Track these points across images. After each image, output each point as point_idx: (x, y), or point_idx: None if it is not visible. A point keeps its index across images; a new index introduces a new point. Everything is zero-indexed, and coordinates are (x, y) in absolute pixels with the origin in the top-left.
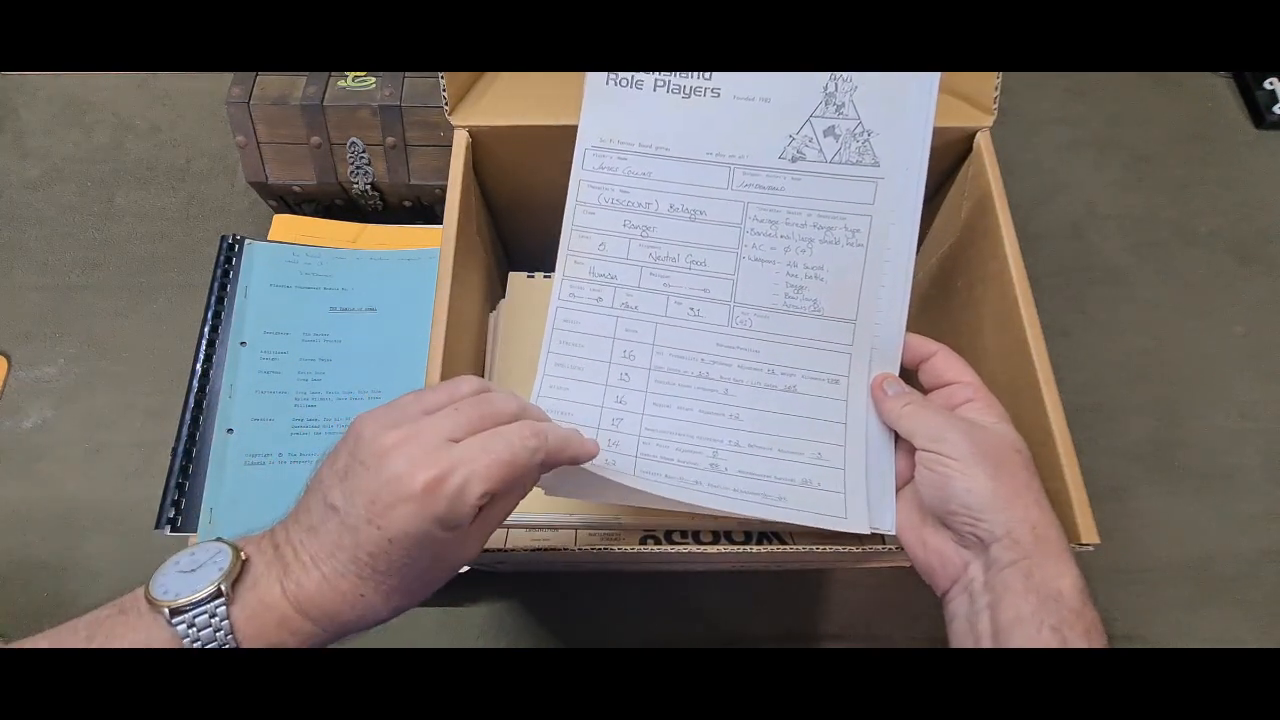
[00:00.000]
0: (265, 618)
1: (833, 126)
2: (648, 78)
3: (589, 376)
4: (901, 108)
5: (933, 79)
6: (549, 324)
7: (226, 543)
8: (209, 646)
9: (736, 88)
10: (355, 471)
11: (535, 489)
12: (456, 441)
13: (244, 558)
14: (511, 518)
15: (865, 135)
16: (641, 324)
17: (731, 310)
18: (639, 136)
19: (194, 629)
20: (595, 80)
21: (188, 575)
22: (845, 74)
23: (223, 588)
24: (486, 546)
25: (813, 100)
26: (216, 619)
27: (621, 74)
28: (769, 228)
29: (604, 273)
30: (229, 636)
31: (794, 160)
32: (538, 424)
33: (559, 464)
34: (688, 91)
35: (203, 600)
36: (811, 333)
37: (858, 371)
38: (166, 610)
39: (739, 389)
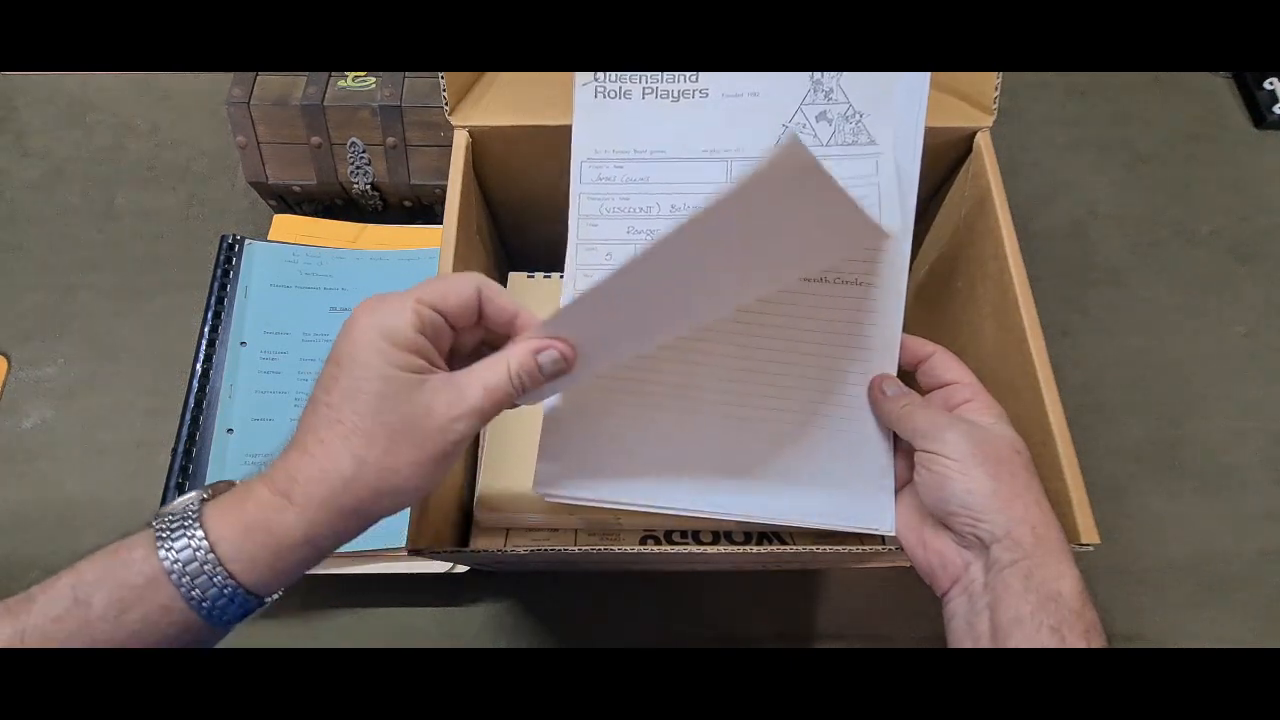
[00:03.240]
0: (233, 504)
1: (824, 111)
2: (635, 87)
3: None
4: (889, 89)
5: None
6: None
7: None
8: (175, 532)
9: (725, 86)
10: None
11: (535, 494)
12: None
13: (235, 481)
14: (512, 518)
15: (858, 117)
16: None
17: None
18: (633, 144)
19: (163, 522)
20: (584, 95)
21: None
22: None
23: (206, 494)
24: (487, 547)
25: (801, 89)
26: (188, 508)
27: (609, 85)
28: None
29: None
30: (194, 522)
31: None
32: (472, 275)
33: (496, 304)
34: (676, 95)
35: (182, 505)
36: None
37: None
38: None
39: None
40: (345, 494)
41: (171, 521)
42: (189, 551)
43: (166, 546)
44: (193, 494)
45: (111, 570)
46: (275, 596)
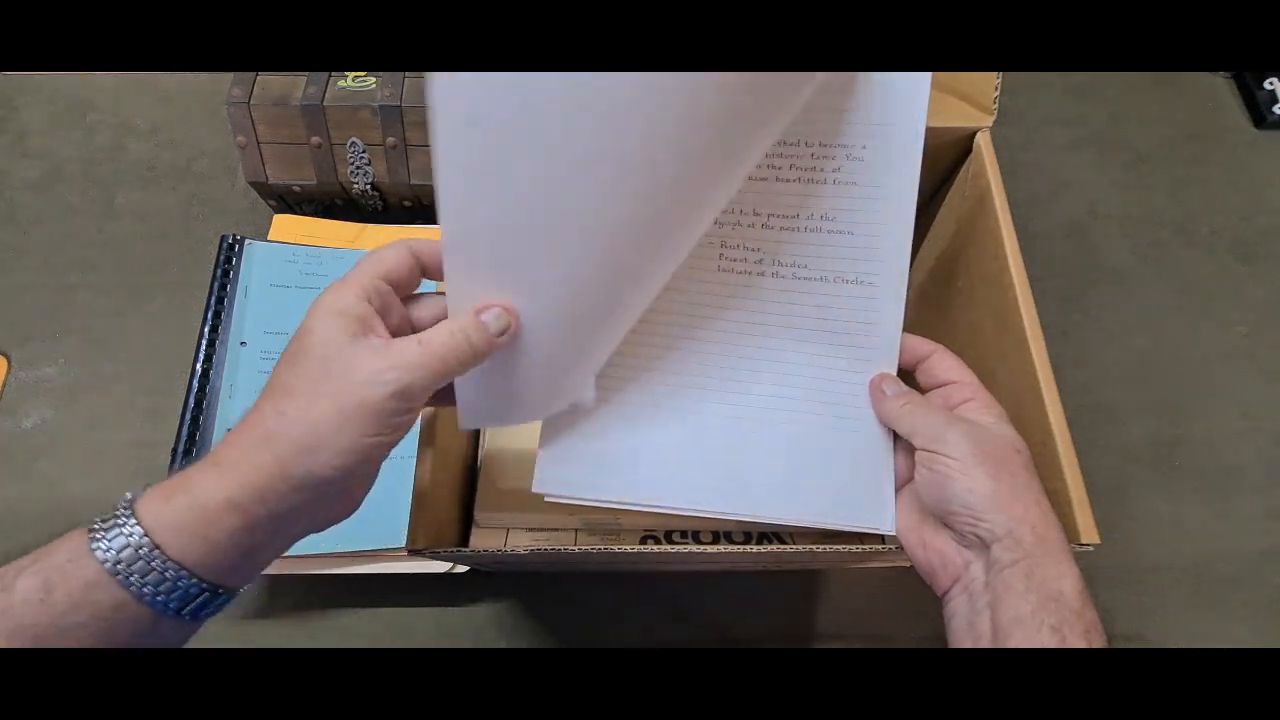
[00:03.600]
0: (173, 487)
1: None
2: None
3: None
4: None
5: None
6: None
7: None
8: (110, 529)
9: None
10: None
11: (535, 495)
12: None
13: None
14: (511, 518)
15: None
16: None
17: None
18: None
19: (99, 518)
20: None
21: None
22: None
23: (142, 488)
24: (487, 547)
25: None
26: (122, 504)
27: None
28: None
29: None
30: (133, 524)
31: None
32: (414, 241)
33: (429, 255)
34: None
35: (118, 502)
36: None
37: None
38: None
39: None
40: (265, 449)
41: (103, 520)
42: (124, 543)
43: (98, 543)
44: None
45: (37, 557)
46: (236, 591)
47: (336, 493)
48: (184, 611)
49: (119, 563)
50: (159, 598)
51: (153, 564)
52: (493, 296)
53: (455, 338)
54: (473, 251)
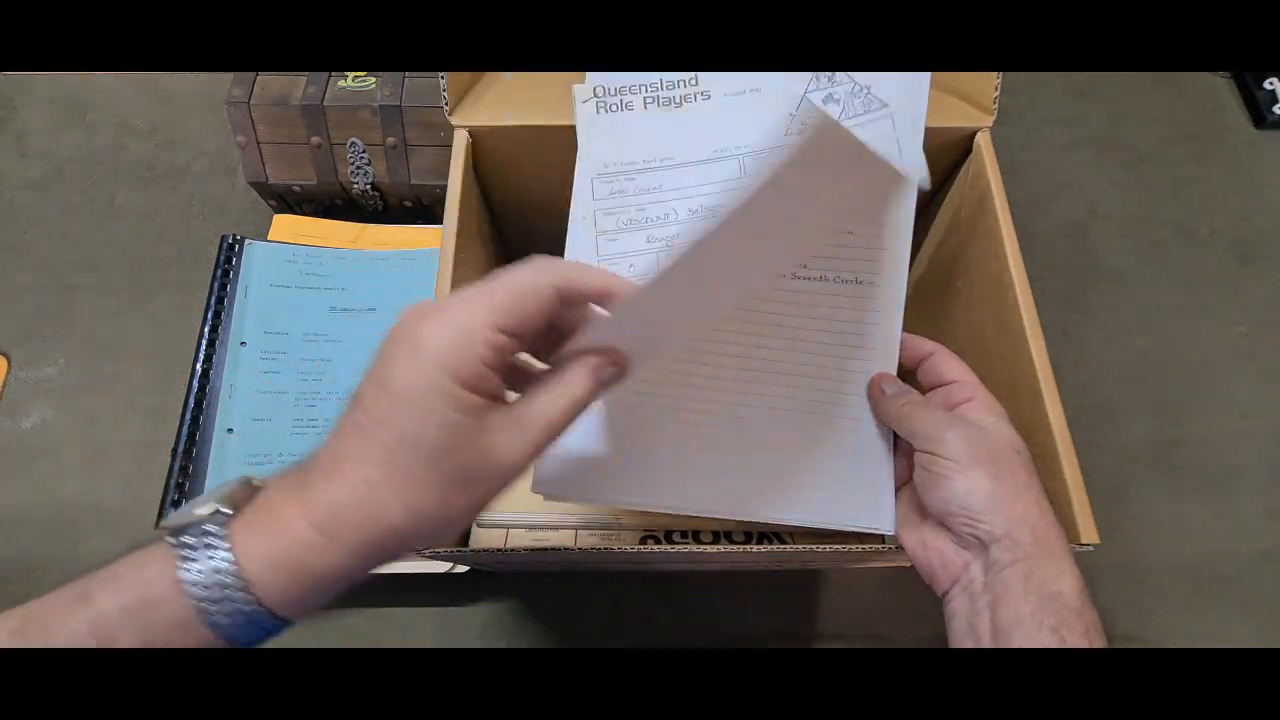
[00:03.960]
0: (259, 525)
1: (830, 94)
2: (636, 98)
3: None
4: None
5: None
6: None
7: (251, 477)
8: (195, 554)
9: (726, 85)
10: (377, 354)
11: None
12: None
13: (257, 485)
14: (512, 518)
15: (865, 90)
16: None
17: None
18: (641, 154)
19: (187, 539)
20: (585, 111)
21: (194, 503)
22: None
23: (219, 509)
24: (485, 546)
25: (803, 77)
26: (214, 526)
27: (610, 99)
28: None
29: None
30: (220, 545)
31: (802, 134)
32: (550, 261)
33: (583, 293)
34: (679, 101)
35: (199, 517)
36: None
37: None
38: (166, 534)
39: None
40: (393, 540)
41: (193, 540)
42: (213, 575)
43: (188, 568)
44: (209, 505)
45: (137, 611)
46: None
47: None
48: (247, 642)
49: (206, 601)
50: (239, 636)
51: (240, 608)
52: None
53: (575, 409)
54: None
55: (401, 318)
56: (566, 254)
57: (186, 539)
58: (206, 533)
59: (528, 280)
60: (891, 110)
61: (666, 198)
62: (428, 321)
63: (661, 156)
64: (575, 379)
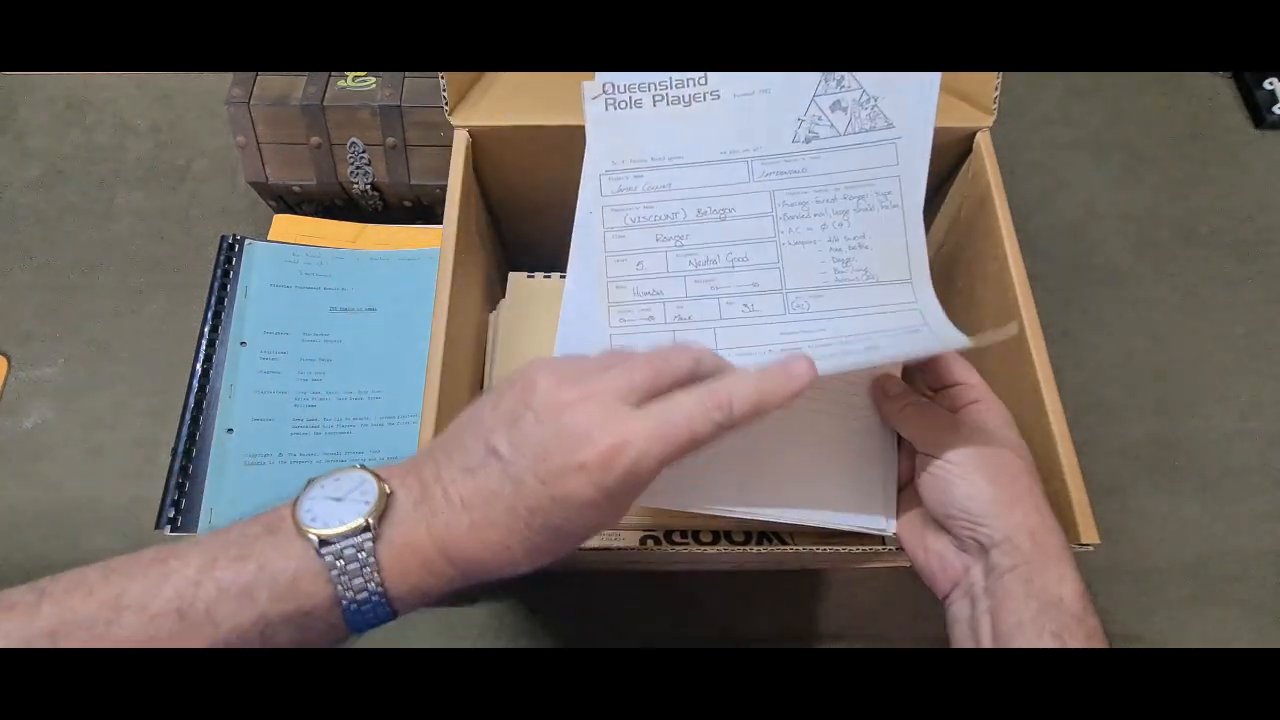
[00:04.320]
0: (409, 559)
1: (838, 100)
2: (645, 95)
3: None
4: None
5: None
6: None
7: (370, 472)
8: (354, 581)
9: (735, 86)
10: (525, 420)
11: None
12: (633, 406)
13: (389, 491)
14: None
15: (872, 102)
16: (699, 332)
17: (785, 298)
18: (650, 152)
19: (342, 560)
20: (594, 108)
21: (334, 504)
22: None
23: (370, 521)
24: None
25: (812, 80)
26: (364, 554)
27: (619, 96)
28: (801, 209)
29: (649, 290)
30: (375, 575)
31: (808, 141)
32: (719, 390)
33: (753, 421)
34: (688, 100)
35: (350, 533)
36: (872, 299)
37: (931, 324)
38: (315, 539)
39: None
40: (508, 573)
41: (350, 565)
42: (368, 600)
43: (345, 594)
44: (356, 514)
45: (294, 618)
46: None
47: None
48: (361, 628)
49: (354, 613)
50: (365, 629)
51: (380, 616)
52: None
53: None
54: None
55: (560, 403)
56: (572, 250)
57: (343, 561)
58: (360, 560)
59: (702, 428)
60: (897, 135)
61: (674, 196)
62: (601, 438)
63: (670, 155)
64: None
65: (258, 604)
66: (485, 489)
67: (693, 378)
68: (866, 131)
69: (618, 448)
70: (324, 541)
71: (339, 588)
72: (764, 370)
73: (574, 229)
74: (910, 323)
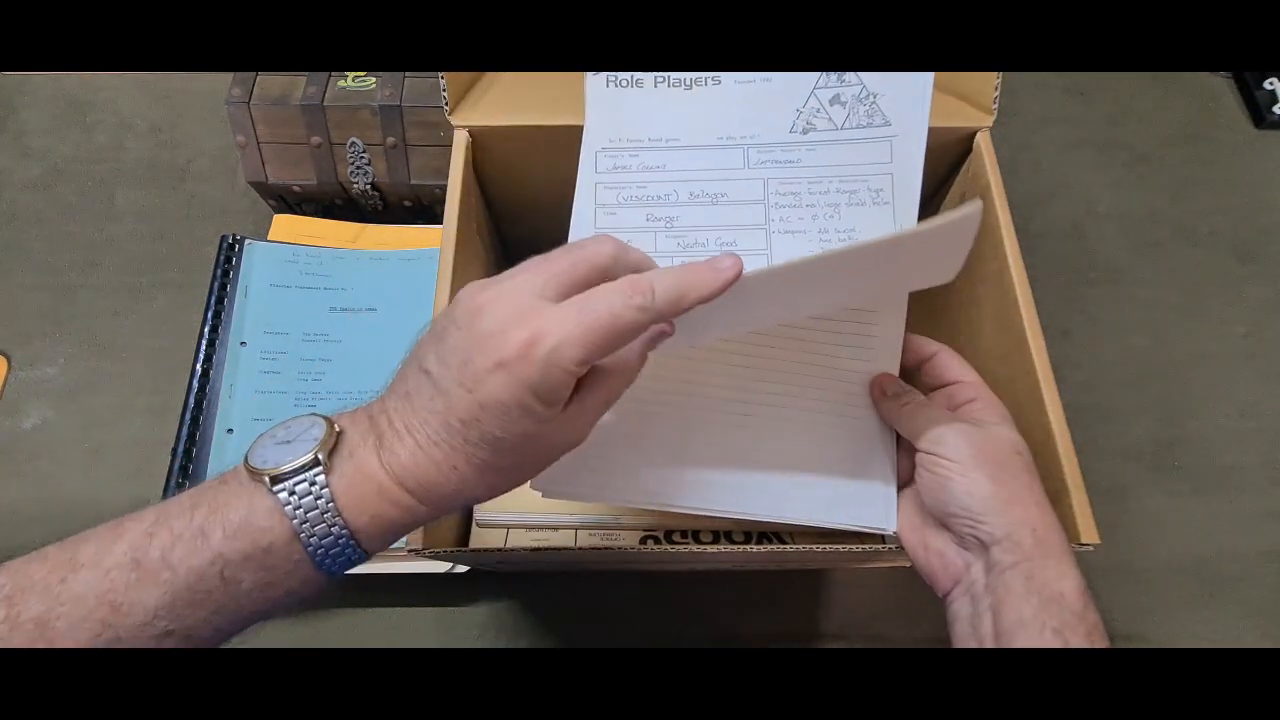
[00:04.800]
0: (363, 486)
1: (838, 94)
2: (647, 75)
3: None
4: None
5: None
6: None
7: (320, 416)
8: (310, 514)
9: (737, 73)
10: (449, 332)
11: (535, 495)
12: (551, 300)
13: (338, 429)
14: (511, 518)
15: (871, 98)
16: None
17: None
18: (647, 132)
19: (295, 496)
20: (595, 84)
21: (284, 446)
22: None
23: (319, 456)
24: (486, 546)
25: (813, 73)
26: (316, 486)
27: (621, 75)
28: (792, 199)
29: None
30: (330, 504)
31: (805, 132)
32: (639, 278)
33: (680, 313)
34: (689, 83)
35: (301, 468)
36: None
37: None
38: (267, 479)
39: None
40: (465, 503)
41: (304, 499)
42: (327, 533)
43: (304, 530)
44: (306, 451)
45: (258, 559)
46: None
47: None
48: (335, 573)
49: (318, 551)
50: (336, 569)
51: (344, 549)
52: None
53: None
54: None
55: (476, 306)
56: (570, 226)
57: (295, 496)
58: (314, 493)
59: (624, 314)
60: (894, 133)
61: (668, 177)
62: (516, 332)
63: (667, 136)
64: (630, 354)
65: (212, 544)
66: (421, 409)
67: (615, 265)
68: (864, 128)
69: (533, 339)
70: (275, 480)
71: (296, 523)
72: (689, 264)
73: (573, 206)
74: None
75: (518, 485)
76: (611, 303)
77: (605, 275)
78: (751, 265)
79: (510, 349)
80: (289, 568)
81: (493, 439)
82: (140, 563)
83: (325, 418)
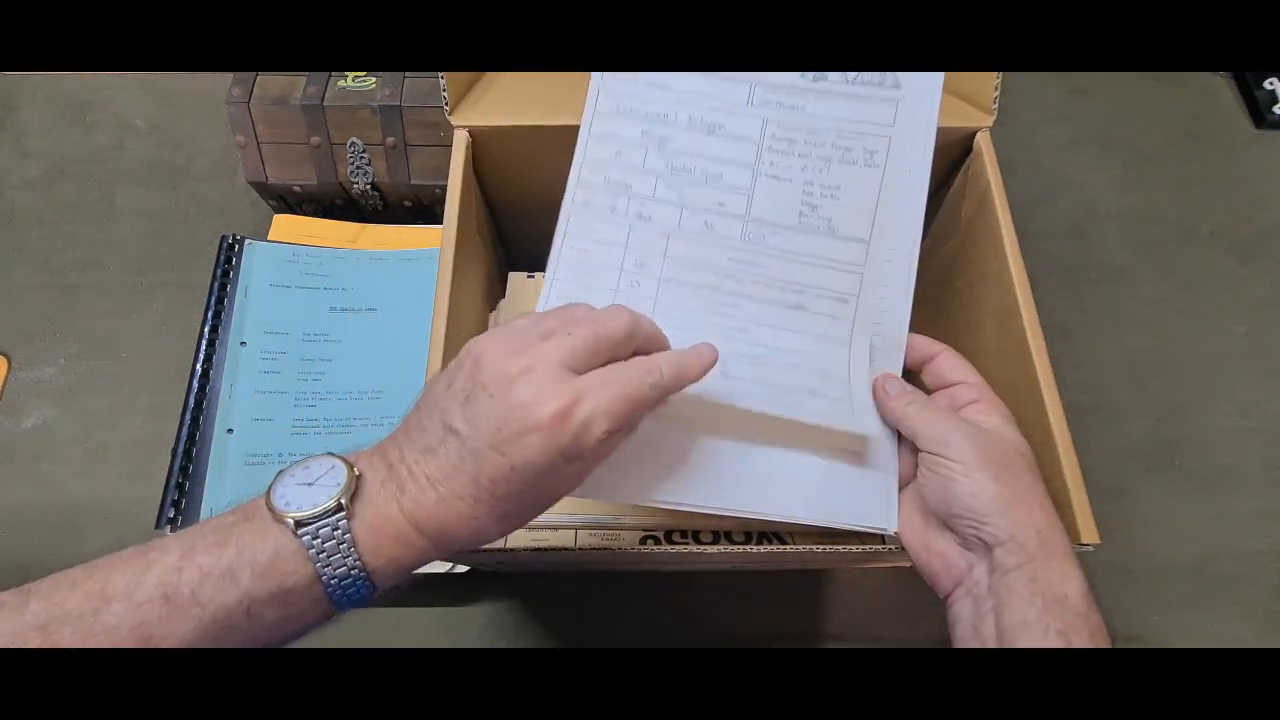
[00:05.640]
0: (383, 532)
1: None
2: None
3: (599, 283)
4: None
5: None
6: (560, 229)
7: (338, 457)
8: (333, 558)
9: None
10: (477, 396)
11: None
12: (577, 372)
13: (358, 474)
14: None
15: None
16: (654, 235)
17: (745, 226)
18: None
19: (319, 540)
20: None
21: (306, 488)
22: None
23: (342, 501)
24: (486, 547)
25: None
26: (339, 531)
27: None
28: (787, 145)
29: (619, 180)
30: (351, 549)
31: (815, 80)
32: (652, 360)
33: (677, 390)
34: None
35: (324, 514)
36: (824, 251)
37: (868, 293)
38: (291, 521)
39: (749, 303)
40: (474, 543)
41: (327, 544)
42: (348, 575)
43: (326, 572)
44: (329, 496)
45: (278, 595)
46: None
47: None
48: (346, 605)
49: (336, 591)
50: (349, 606)
51: (360, 589)
52: None
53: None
54: None
55: (508, 376)
56: (577, 152)
57: (319, 540)
58: (337, 538)
59: (641, 391)
60: (900, 95)
61: (671, 98)
62: (552, 403)
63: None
64: (636, 420)
65: (240, 584)
66: (447, 465)
67: (630, 338)
68: (874, 85)
69: (566, 410)
70: (300, 523)
71: (319, 565)
72: (683, 351)
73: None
74: (845, 288)
75: (526, 523)
76: (630, 379)
77: (619, 348)
78: (732, 203)
79: (546, 416)
80: (307, 605)
81: (517, 495)
82: (170, 598)
83: (344, 459)
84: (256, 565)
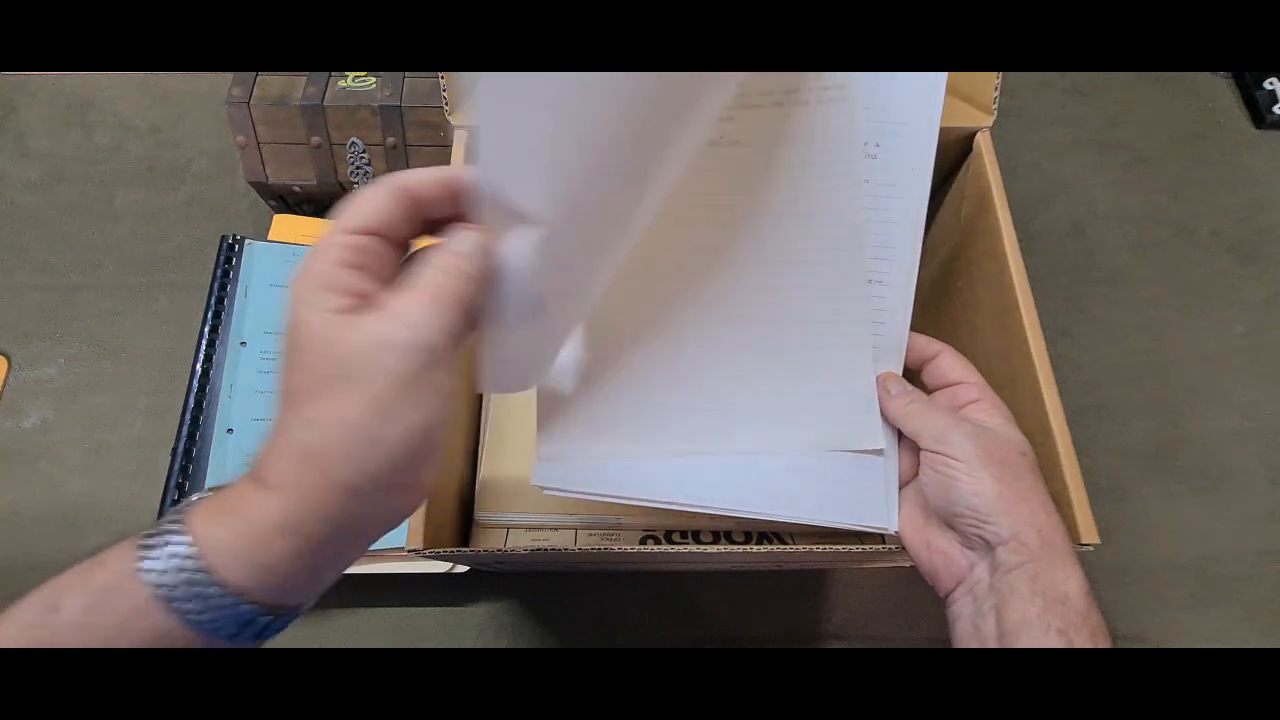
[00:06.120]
0: (223, 507)
1: None
2: None
3: None
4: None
5: None
6: None
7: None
8: (159, 549)
9: None
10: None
11: (535, 495)
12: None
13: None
14: (511, 518)
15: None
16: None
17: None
18: None
19: (147, 538)
20: None
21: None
22: None
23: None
24: (487, 547)
25: None
26: (172, 520)
27: None
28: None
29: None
30: (184, 539)
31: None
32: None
33: (425, 186)
34: None
35: (167, 518)
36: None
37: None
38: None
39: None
40: (310, 467)
41: (154, 531)
42: (170, 560)
43: (145, 557)
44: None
45: (100, 608)
46: (299, 610)
47: (402, 485)
48: (238, 637)
49: (163, 585)
50: (207, 624)
51: (200, 589)
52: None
53: (447, 272)
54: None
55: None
56: None
57: (148, 533)
58: (166, 523)
59: (370, 187)
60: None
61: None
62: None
63: None
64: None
65: (60, 614)
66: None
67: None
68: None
69: (310, 251)
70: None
71: (140, 560)
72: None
73: None
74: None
75: (347, 424)
76: (360, 192)
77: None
78: None
79: (296, 272)
80: (131, 610)
81: (295, 358)
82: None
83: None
84: (83, 580)
